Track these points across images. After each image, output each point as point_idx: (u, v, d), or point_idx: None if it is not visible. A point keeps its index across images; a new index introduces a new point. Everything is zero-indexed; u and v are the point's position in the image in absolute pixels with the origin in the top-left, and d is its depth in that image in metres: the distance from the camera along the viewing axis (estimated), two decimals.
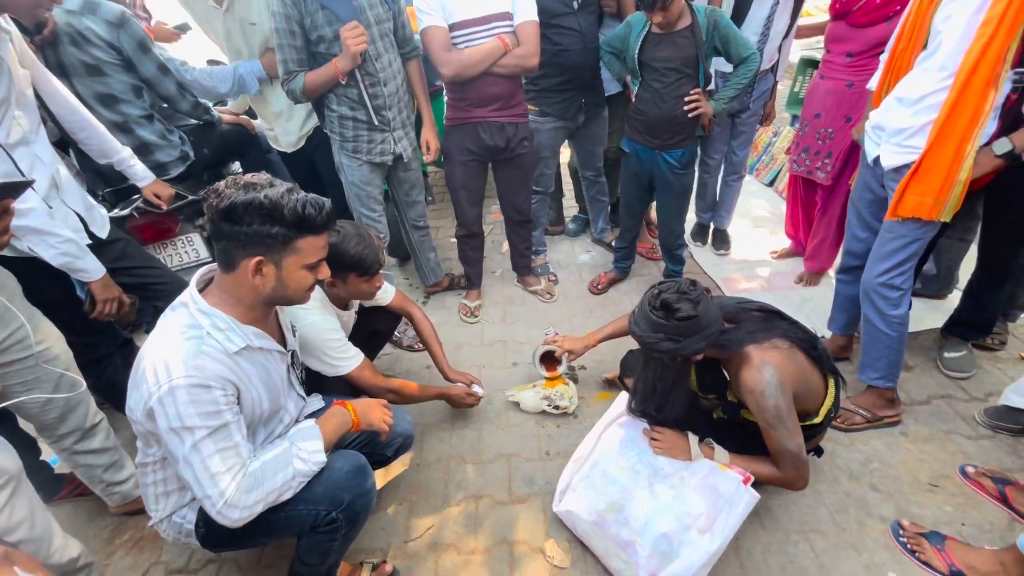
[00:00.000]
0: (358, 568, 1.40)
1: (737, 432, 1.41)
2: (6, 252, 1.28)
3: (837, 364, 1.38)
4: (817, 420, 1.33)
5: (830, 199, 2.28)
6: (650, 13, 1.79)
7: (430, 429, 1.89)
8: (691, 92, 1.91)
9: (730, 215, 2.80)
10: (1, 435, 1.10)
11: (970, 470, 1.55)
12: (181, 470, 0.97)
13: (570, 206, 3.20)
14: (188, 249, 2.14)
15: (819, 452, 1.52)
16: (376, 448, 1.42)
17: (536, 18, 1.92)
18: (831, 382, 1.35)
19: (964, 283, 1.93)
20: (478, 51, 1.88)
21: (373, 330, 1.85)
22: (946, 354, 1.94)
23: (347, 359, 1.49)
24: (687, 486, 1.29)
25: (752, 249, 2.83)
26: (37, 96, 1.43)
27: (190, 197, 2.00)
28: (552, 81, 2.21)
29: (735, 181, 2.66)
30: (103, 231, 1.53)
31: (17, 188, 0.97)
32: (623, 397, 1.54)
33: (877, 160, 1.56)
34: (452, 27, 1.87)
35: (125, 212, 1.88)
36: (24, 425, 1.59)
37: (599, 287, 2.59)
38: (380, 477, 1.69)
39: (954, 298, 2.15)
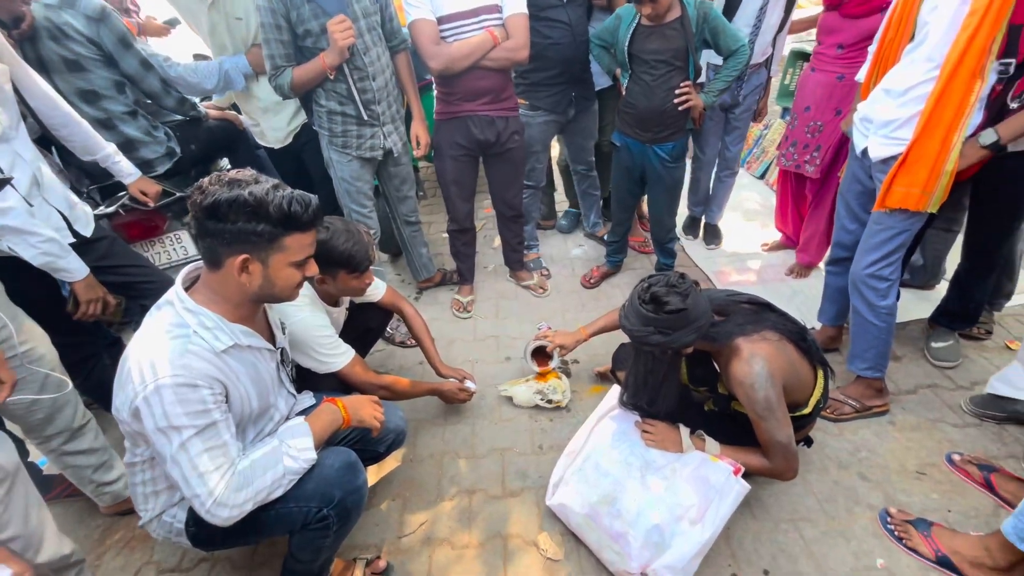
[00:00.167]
0: (352, 564, 1.40)
1: (728, 424, 1.42)
2: None
3: (827, 355, 1.40)
4: (806, 411, 1.34)
5: (822, 192, 2.29)
6: (639, 5, 1.78)
7: (423, 425, 1.89)
8: (681, 85, 1.91)
9: (721, 210, 2.81)
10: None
11: (956, 458, 1.58)
12: (169, 469, 0.96)
13: (561, 200, 3.20)
14: (176, 247, 2.12)
15: (809, 442, 1.54)
16: (368, 444, 1.42)
17: (525, 11, 1.91)
18: (820, 373, 1.37)
19: (951, 274, 1.95)
20: (467, 44, 1.86)
21: (365, 327, 1.84)
22: (933, 344, 1.97)
23: (337, 356, 1.49)
24: (679, 478, 1.30)
25: (743, 242, 2.84)
26: (17, 92, 1.41)
27: (177, 194, 1.98)
28: (542, 75, 2.19)
29: (728, 177, 2.66)
30: (87, 229, 1.51)
31: None
32: (615, 390, 1.54)
33: (865, 152, 1.57)
34: (441, 20, 1.85)
35: (111, 209, 1.86)
36: (11, 426, 1.57)
37: (592, 281, 2.59)
38: (373, 473, 1.69)
39: (941, 288, 2.18)
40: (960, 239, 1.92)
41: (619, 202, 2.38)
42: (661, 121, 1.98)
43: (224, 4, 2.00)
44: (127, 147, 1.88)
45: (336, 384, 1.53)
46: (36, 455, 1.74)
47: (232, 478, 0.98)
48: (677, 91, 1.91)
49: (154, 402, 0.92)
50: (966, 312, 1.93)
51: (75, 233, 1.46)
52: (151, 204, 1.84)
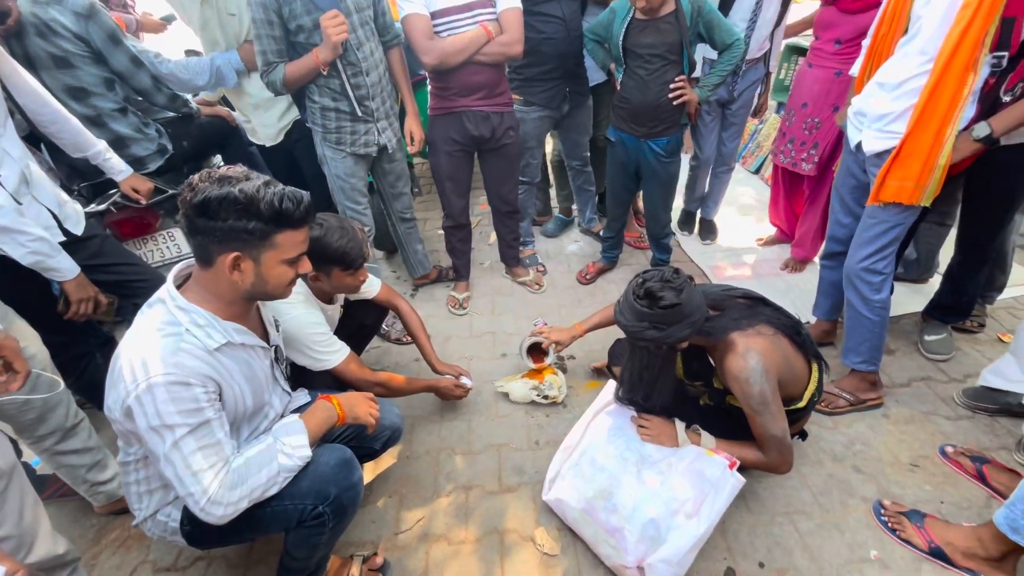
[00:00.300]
0: (349, 561, 1.40)
1: (723, 418, 1.42)
2: None
3: (821, 349, 1.40)
4: (801, 404, 1.35)
5: (818, 188, 2.29)
6: None
7: (419, 421, 1.89)
8: (675, 79, 1.90)
9: (717, 206, 2.81)
10: None
11: (949, 450, 1.59)
12: (162, 468, 0.95)
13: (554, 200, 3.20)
14: (169, 244, 2.10)
15: (803, 435, 1.54)
16: (364, 442, 1.42)
17: (519, 5, 1.89)
18: (815, 367, 1.37)
19: (944, 267, 1.96)
20: (460, 39, 1.85)
21: (360, 324, 1.83)
22: (926, 337, 1.98)
23: (332, 353, 1.48)
24: (674, 472, 1.31)
25: (739, 237, 2.85)
26: (4, 88, 1.39)
27: (170, 191, 1.96)
28: (536, 70, 2.18)
29: (724, 173, 2.66)
30: (78, 228, 1.50)
31: None
32: (611, 386, 1.54)
33: (859, 146, 1.57)
34: (434, 15, 1.83)
35: (102, 207, 1.84)
36: (3, 426, 1.56)
37: (587, 277, 2.59)
38: (369, 470, 1.69)
39: (935, 282, 2.19)
40: (953, 233, 1.93)
41: (614, 198, 2.38)
42: (656, 116, 1.97)
43: (216, 0, 1.98)
44: (117, 144, 1.85)
45: (331, 382, 1.53)
46: (29, 455, 1.73)
47: (226, 476, 0.98)
48: (672, 86, 1.90)
49: (146, 401, 0.91)
50: (959, 305, 1.94)
51: (65, 232, 1.45)
52: (143, 201, 1.83)
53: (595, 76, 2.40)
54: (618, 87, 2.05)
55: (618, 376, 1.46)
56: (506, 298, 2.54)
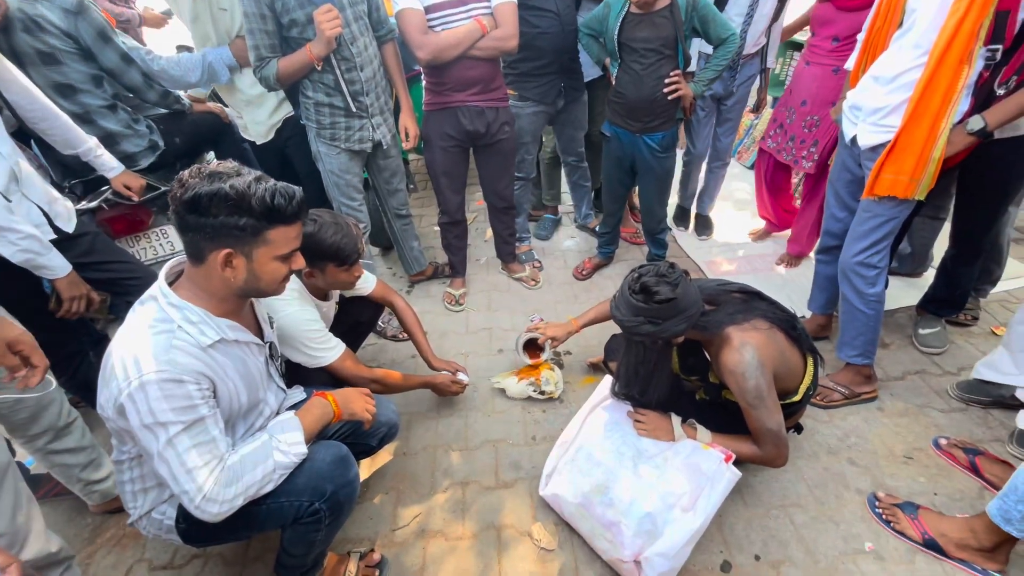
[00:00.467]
0: (346, 558, 1.40)
1: (719, 412, 1.43)
2: None
3: (817, 343, 1.41)
4: (796, 398, 1.35)
5: (817, 185, 2.29)
6: None
7: (416, 418, 1.88)
8: (671, 74, 1.90)
9: (713, 201, 2.81)
10: None
11: (943, 442, 1.60)
12: (157, 466, 0.94)
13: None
14: (162, 242, 2.09)
15: (799, 429, 1.55)
16: (360, 438, 1.41)
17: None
18: (810, 360, 1.37)
19: (938, 261, 1.97)
20: (455, 33, 1.84)
21: (356, 320, 1.82)
22: (921, 330, 1.99)
23: (327, 350, 1.47)
24: (670, 466, 1.31)
25: (734, 232, 2.85)
26: None
27: (162, 188, 1.95)
28: (531, 65, 2.17)
29: (719, 168, 2.66)
30: (69, 225, 1.48)
31: None
32: (607, 381, 1.55)
33: (854, 140, 1.57)
34: (428, 9, 1.82)
35: (93, 204, 1.82)
36: None
37: (584, 273, 2.59)
38: (366, 467, 1.69)
39: (929, 276, 2.20)
40: (947, 226, 1.94)
41: (610, 193, 2.37)
42: (651, 111, 1.97)
43: None
44: (107, 141, 1.84)
45: (327, 379, 1.52)
46: (23, 455, 1.71)
47: (221, 473, 0.97)
48: (667, 80, 1.90)
49: (139, 398, 0.91)
50: (953, 299, 1.95)
51: (56, 229, 1.43)
52: (135, 198, 1.82)
53: (590, 71, 2.39)
54: (613, 82, 2.04)
55: (614, 371, 1.46)
56: (502, 294, 2.53)
